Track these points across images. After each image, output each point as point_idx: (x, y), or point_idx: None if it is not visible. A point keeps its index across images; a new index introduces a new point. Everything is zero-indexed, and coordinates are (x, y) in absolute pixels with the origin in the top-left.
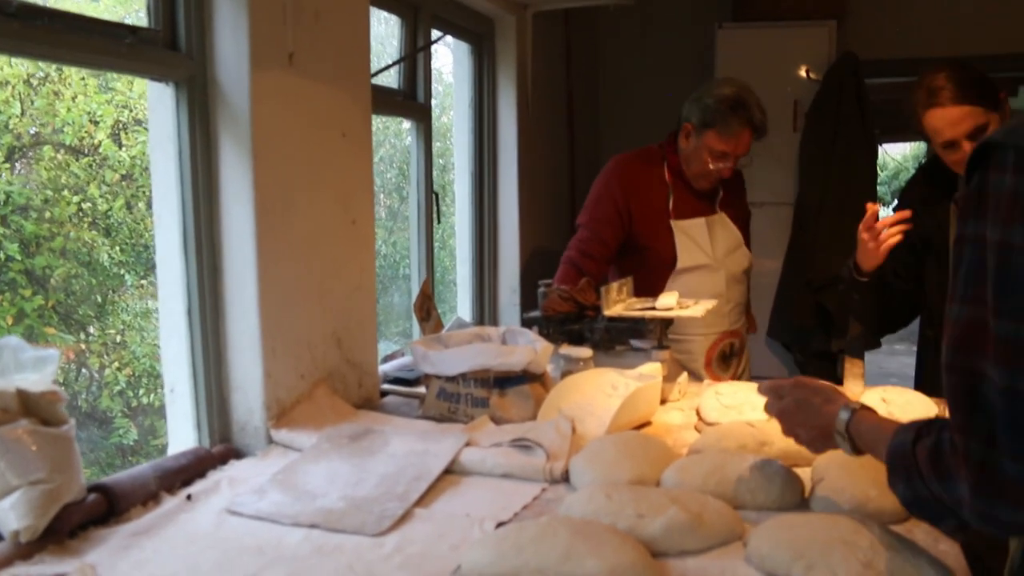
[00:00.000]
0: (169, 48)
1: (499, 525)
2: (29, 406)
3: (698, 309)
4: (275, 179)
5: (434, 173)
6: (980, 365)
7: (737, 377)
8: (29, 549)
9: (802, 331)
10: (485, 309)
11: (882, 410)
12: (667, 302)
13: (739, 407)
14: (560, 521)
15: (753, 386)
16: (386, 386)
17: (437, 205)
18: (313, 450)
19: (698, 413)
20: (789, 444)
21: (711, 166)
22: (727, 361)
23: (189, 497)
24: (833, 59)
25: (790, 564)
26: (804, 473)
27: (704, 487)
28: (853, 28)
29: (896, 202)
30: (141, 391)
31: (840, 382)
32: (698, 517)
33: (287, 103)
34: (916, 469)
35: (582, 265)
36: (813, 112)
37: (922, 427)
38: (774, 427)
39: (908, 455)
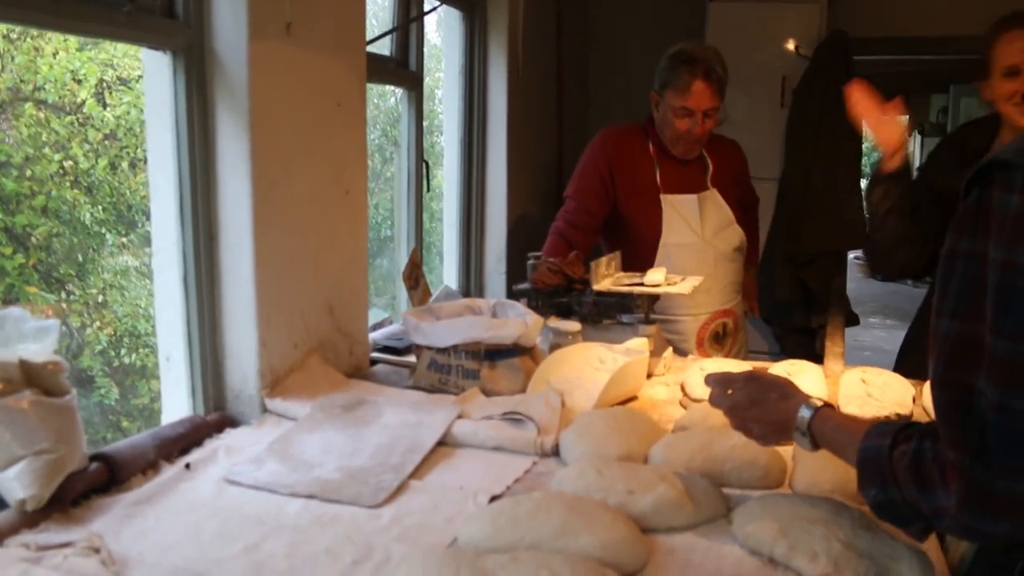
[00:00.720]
0: (166, 16)
1: (492, 499)
2: (31, 376)
3: (685, 286)
4: (271, 149)
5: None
6: (973, 381)
7: (732, 357)
8: (35, 518)
9: (783, 306)
10: (471, 276)
11: (861, 390)
12: (655, 278)
13: None
14: (554, 497)
15: (740, 363)
16: (376, 354)
17: (427, 174)
18: (308, 419)
19: (683, 388)
20: None
21: (679, 126)
22: (720, 342)
23: (188, 466)
24: (823, 36)
25: (773, 542)
26: (786, 451)
27: (690, 465)
28: (844, 6)
29: (917, 174)
30: (123, 351)
31: (819, 357)
32: (685, 494)
33: (284, 73)
34: (892, 476)
35: (569, 236)
36: (801, 89)
37: (899, 432)
38: None
39: (884, 461)
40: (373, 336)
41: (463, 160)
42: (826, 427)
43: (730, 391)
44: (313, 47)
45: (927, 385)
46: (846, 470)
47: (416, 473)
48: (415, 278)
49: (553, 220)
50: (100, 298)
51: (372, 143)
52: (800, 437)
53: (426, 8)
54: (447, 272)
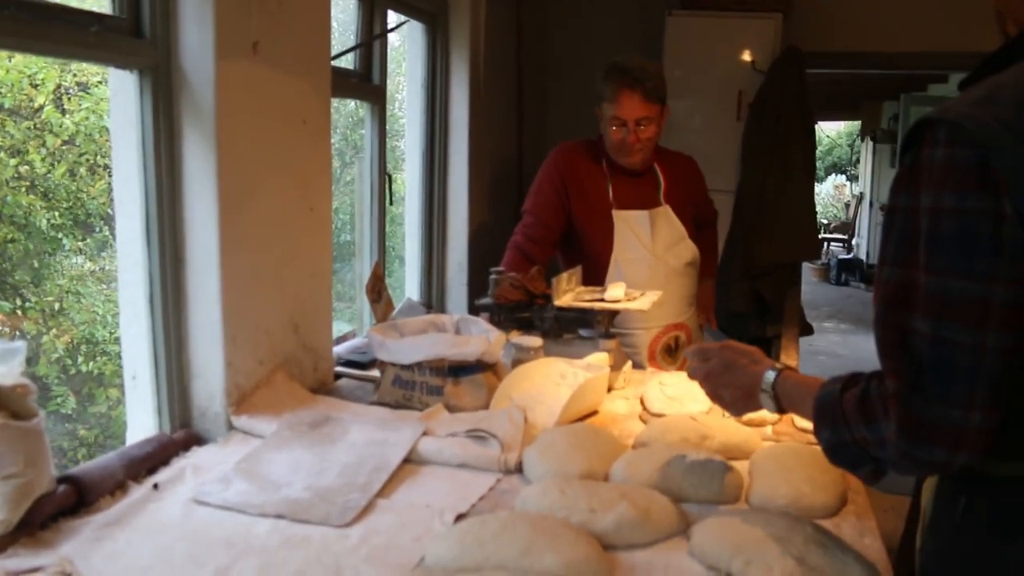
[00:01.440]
0: (134, 36)
1: (458, 517)
2: (0, 400)
3: (644, 302)
4: (238, 168)
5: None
6: (909, 320)
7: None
8: (3, 542)
9: (738, 317)
10: (433, 287)
11: None
12: (615, 294)
13: (681, 398)
14: (519, 516)
15: None
16: (340, 369)
17: (390, 187)
18: (275, 438)
19: (642, 403)
20: (729, 438)
21: (613, 137)
22: (672, 355)
23: (156, 486)
24: (778, 51)
25: (730, 559)
26: (742, 466)
27: (650, 482)
28: (798, 21)
29: None
30: (80, 358)
31: None
32: (646, 512)
33: (251, 92)
34: (842, 415)
35: (527, 250)
36: (756, 103)
37: (848, 379)
38: (715, 421)
39: (835, 402)
40: (337, 350)
41: (425, 170)
42: (788, 385)
43: (707, 360)
44: (279, 65)
45: None
46: (799, 485)
47: (383, 491)
48: (378, 291)
49: (511, 234)
50: (57, 305)
51: (332, 147)
52: (767, 399)
53: (391, 24)
54: (409, 281)
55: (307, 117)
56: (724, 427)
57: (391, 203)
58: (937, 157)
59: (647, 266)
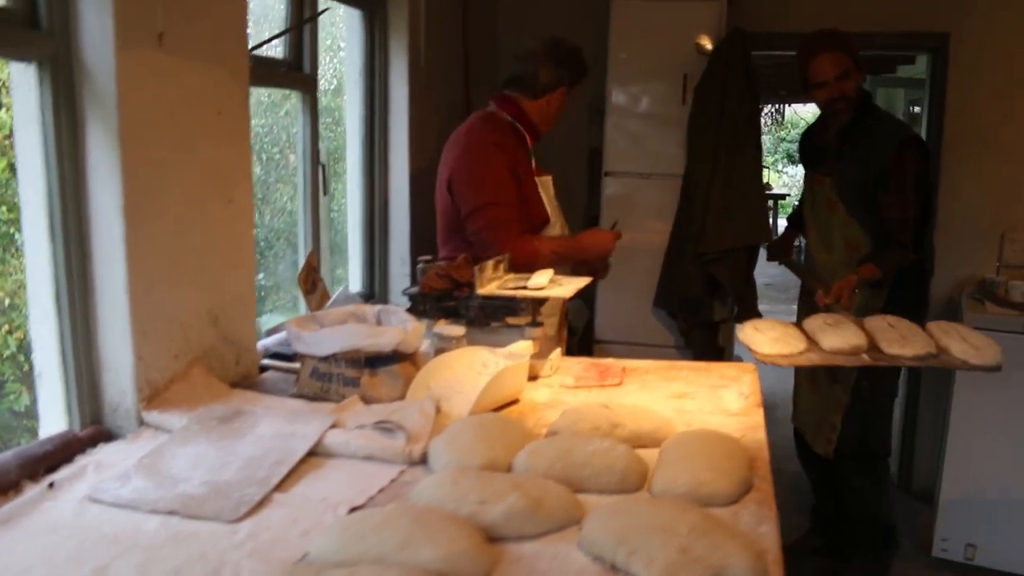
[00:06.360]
0: (29, 27)
1: (352, 510)
2: None
3: (568, 288)
4: (144, 161)
5: (327, 135)
6: None
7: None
8: None
9: (689, 301)
10: (376, 278)
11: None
12: (539, 281)
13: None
14: (404, 509)
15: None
16: (266, 361)
17: (324, 177)
18: (182, 432)
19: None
20: (640, 426)
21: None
22: None
23: (52, 485)
24: (724, 34)
25: (615, 549)
26: (653, 454)
27: (551, 471)
28: (745, 3)
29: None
30: (35, 355)
31: (721, 351)
32: (538, 502)
33: (157, 83)
34: None
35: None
36: (701, 86)
37: None
38: (627, 410)
39: None
40: (265, 343)
41: (366, 161)
42: None
43: None
44: (189, 56)
45: None
46: (700, 473)
47: (283, 485)
48: (312, 282)
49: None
50: (8, 301)
51: (266, 137)
52: None
53: (319, 11)
54: (352, 274)
55: (222, 108)
56: (636, 415)
57: (326, 193)
58: None
59: (561, 227)
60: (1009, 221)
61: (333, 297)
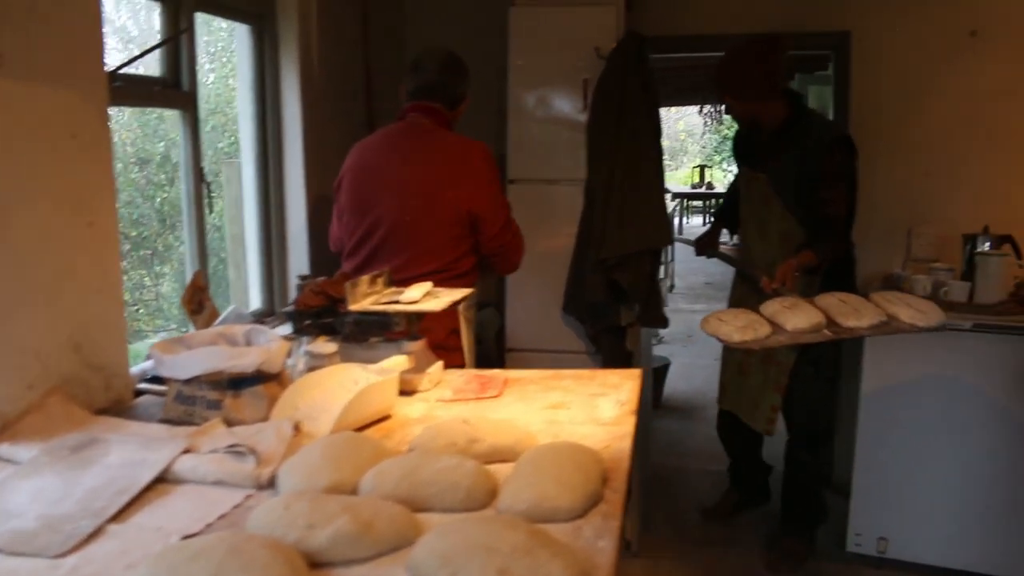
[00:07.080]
0: None
1: (186, 538)
2: None
3: (442, 301)
4: None
5: (211, 155)
6: None
7: None
8: None
9: (594, 306)
10: (275, 296)
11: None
12: (412, 295)
13: None
14: (221, 538)
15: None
16: (142, 385)
17: (209, 194)
18: (29, 464)
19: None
20: (499, 440)
21: None
22: None
23: None
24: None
25: (437, 570)
26: (500, 470)
27: (396, 491)
28: (641, 6)
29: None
30: None
31: (630, 355)
32: (367, 525)
33: None
34: None
35: None
36: (598, 90)
37: None
38: (488, 424)
39: None
40: (144, 366)
41: (260, 177)
42: None
43: None
44: (34, 78)
45: None
46: (545, 487)
47: (122, 515)
48: (198, 302)
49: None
50: None
51: (156, 154)
52: None
53: (204, 28)
54: (252, 292)
55: (77, 131)
56: (496, 429)
57: (211, 212)
58: None
59: None
60: (915, 216)
61: (222, 316)
